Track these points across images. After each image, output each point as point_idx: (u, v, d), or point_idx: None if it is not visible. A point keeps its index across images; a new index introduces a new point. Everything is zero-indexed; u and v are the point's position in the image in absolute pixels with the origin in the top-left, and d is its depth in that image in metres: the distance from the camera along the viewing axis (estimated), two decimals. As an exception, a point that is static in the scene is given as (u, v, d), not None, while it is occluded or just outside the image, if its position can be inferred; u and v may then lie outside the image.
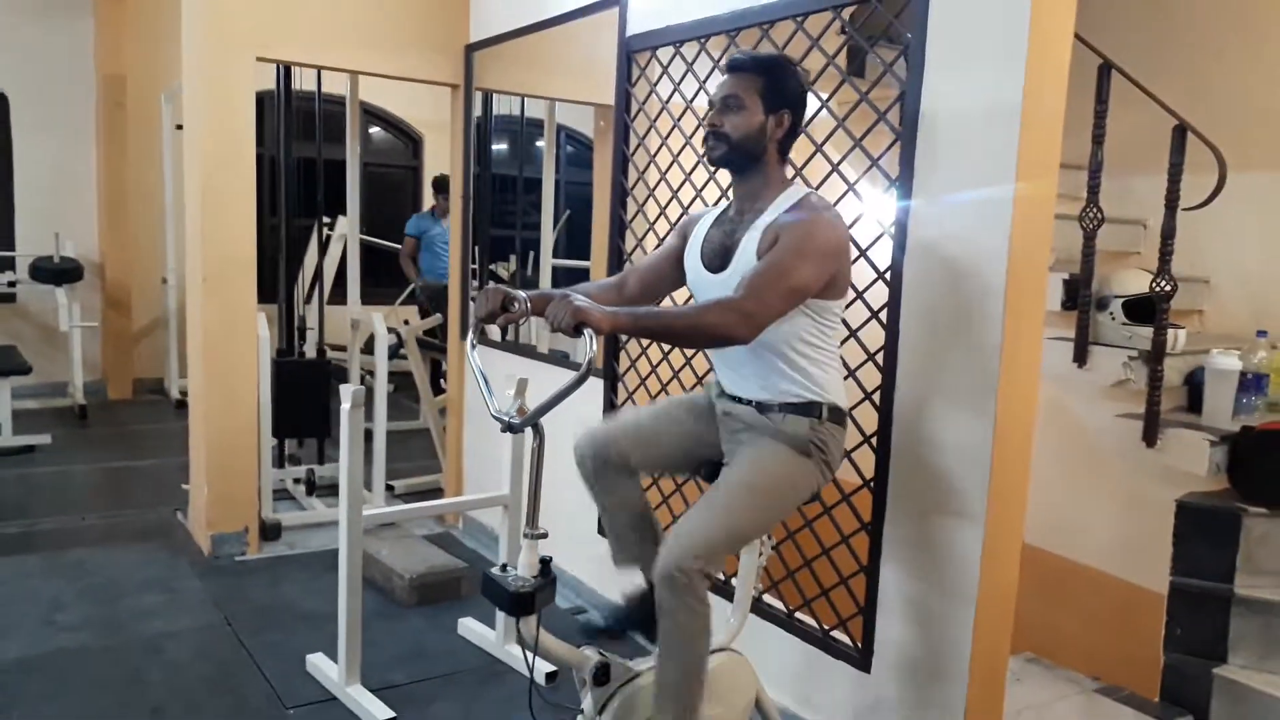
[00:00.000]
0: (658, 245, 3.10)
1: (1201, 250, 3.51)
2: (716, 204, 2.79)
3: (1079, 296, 3.05)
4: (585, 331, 1.77)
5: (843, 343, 2.20)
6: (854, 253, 2.27)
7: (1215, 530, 2.74)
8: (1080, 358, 3.06)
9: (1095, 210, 2.97)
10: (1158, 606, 2.85)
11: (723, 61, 2.13)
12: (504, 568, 1.97)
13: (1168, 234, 2.82)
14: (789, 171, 2.17)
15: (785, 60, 2.12)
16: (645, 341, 3.08)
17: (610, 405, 3.24)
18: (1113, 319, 3.02)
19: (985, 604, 2.17)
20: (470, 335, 2.09)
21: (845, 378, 2.29)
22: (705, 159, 2.13)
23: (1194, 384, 3.07)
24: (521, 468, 2.86)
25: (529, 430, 1.91)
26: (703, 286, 2.15)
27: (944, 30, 2.18)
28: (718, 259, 2.11)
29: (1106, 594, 3.11)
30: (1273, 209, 3.47)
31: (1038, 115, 2.06)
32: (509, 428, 1.92)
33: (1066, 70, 2.12)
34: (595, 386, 3.27)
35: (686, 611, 1.89)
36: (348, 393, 2.60)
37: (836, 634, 2.51)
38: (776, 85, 2.05)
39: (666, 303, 2.47)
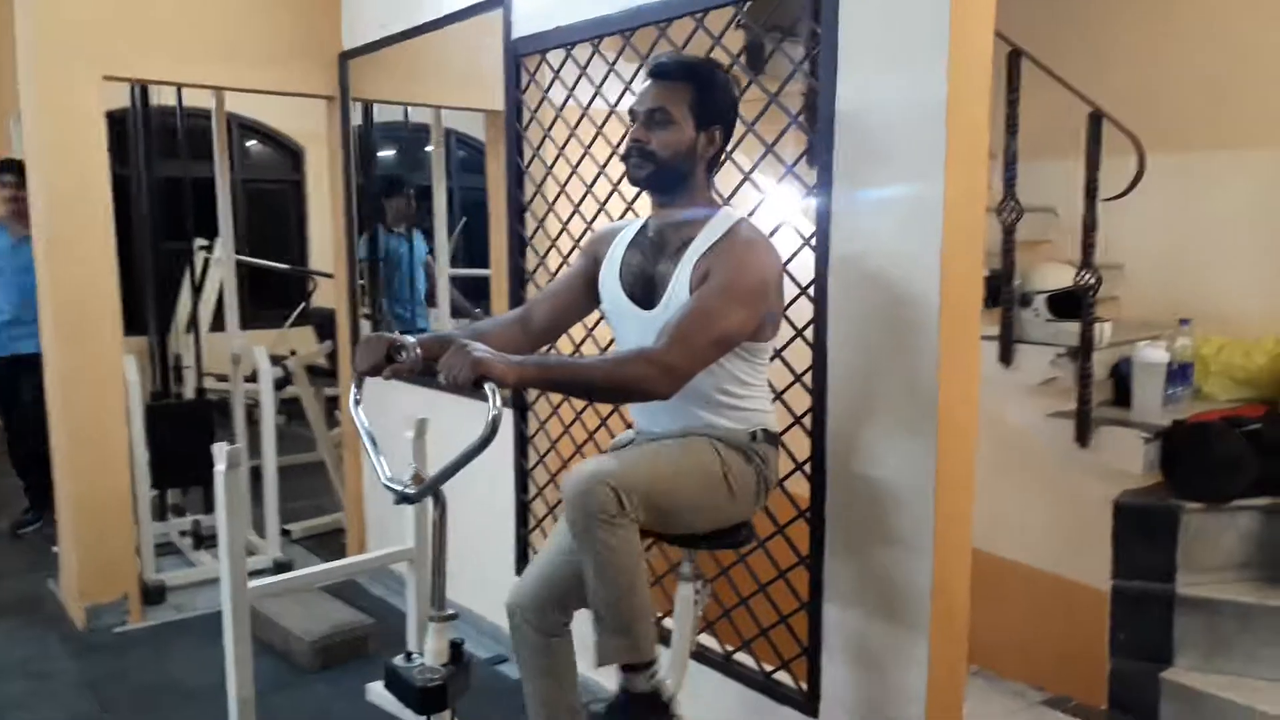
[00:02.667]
0: (561, 264, 2.88)
1: (1113, 235, 3.46)
2: (624, 216, 2.62)
3: (1000, 293, 2.95)
4: (486, 386, 1.54)
5: (770, 361, 2.02)
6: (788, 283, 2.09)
7: (1153, 529, 2.67)
8: (1006, 357, 2.97)
9: (1013, 203, 2.87)
10: (1100, 604, 2.76)
11: (642, 68, 1.90)
12: (409, 656, 1.73)
13: (1089, 226, 2.74)
14: (713, 193, 1.97)
15: (717, 66, 1.91)
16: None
17: (521, 450, 2.99)
18: (1037, 315, 2.93)
19: (938, 637, 2.02)
20: (353, 390, 1.83)
21: (773, 400, 2.10)
22: (626, 177, 1.90)
23: (1120, 376, 3.01)
24: (425, 528, 2.59)
25: (428, 500, 1.67)
26: (626, 320, 1.93)
27: (857, 23, 2.01)
28: (640, 290, 1.90)
29: (1047, 593, 3.01)
30: (1179, 191, 3.44)
31: (963, 111, 1.91)
32: (403, 498, 1.67)
33: (989, 62, 1.98)
34: (502, 433, 3.02)
35: (604, 530, 1.64)
36: (221, 452, 2.30)
37: (780, 676, 2.33)
38: (709, 96, 1.84)
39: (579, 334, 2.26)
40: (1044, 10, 3.61)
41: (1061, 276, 2.92)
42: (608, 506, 1.63)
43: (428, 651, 1.70)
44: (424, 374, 1.72)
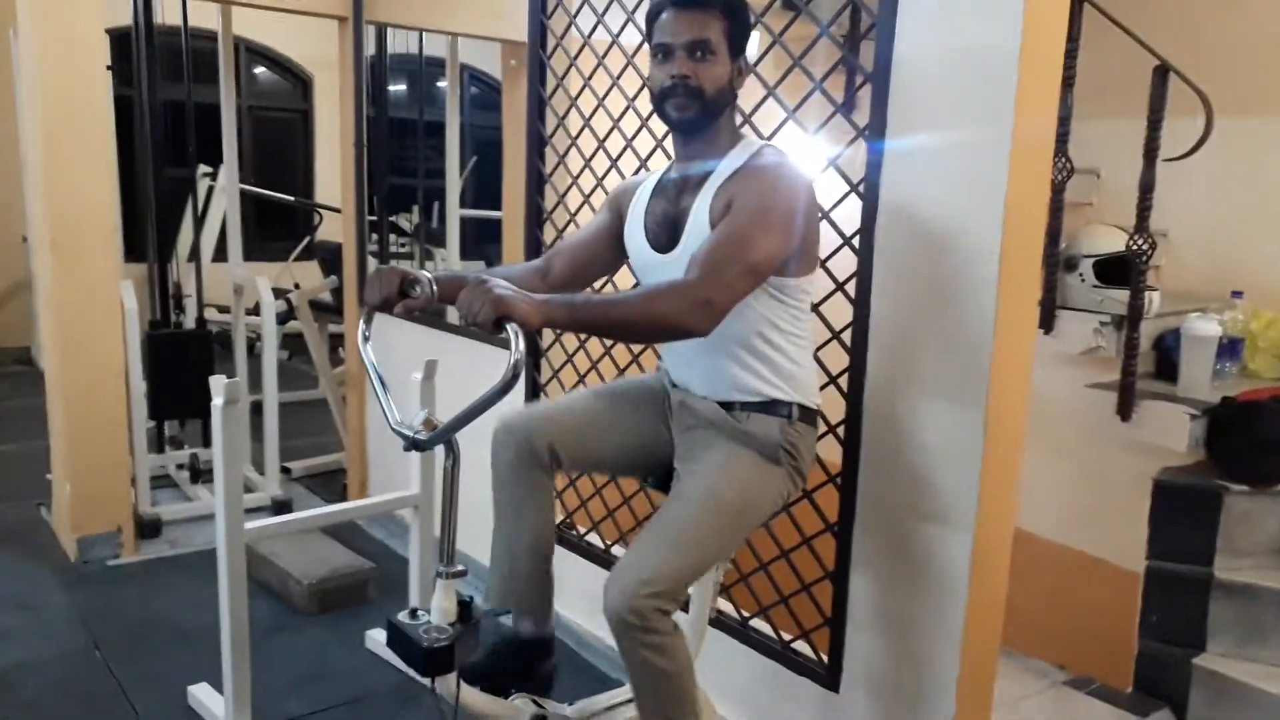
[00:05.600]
0: (582, 204, 2.72)
1: (1157, 201, 3.29)
2: (651, 155, 2.46)
3: (1045, 256, 2.79)
4: (508, 326, 1.40)
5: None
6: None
7: (1194, 510, 2.54)
8: (1047, 324, 2.82)
9: (1065, 161, 2.71)
10: (1130, 585, 2.65)
11: None
12: (414, 613, 1.61)
13: (1146, 187, 2.57)
14: (738, 121, 1.82)
15: None
16: (580, 336, 2.68)
17: (534, 396, 2.86)
18: (1083, 281, 2.78)
19: (974, 618, 1.90)
20: (361, 326, 1.69)
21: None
22: (665, 119, 1.74)
23: (1164, 349, 2.86)
24: (432, 475, 2.47)
25: (439, 448, 1.54)
26: (650, 270, 1.79)
27: (924, -50, 1.84)
28: (665, 235, 1.75)
29: (1074, 570, 2.91)
30: (1232, 157, 3.25)
31: (1038, 53, 1.74)
32: (414, 444, 1.55)
33: (1068, 2, 1.81)
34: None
35: (653, 652, 1.56)
36: (219, 386, 2.17)
37: (799, 646, 2.23)
38: (740, 24, 1.70)
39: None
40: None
41: (1111, 241, 2.76)
42: (656, 625, 1.55)
43: (435, 609, 1.59)
44: (436, 312, 1.58)
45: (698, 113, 1.68)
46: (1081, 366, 2.80)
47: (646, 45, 2.44)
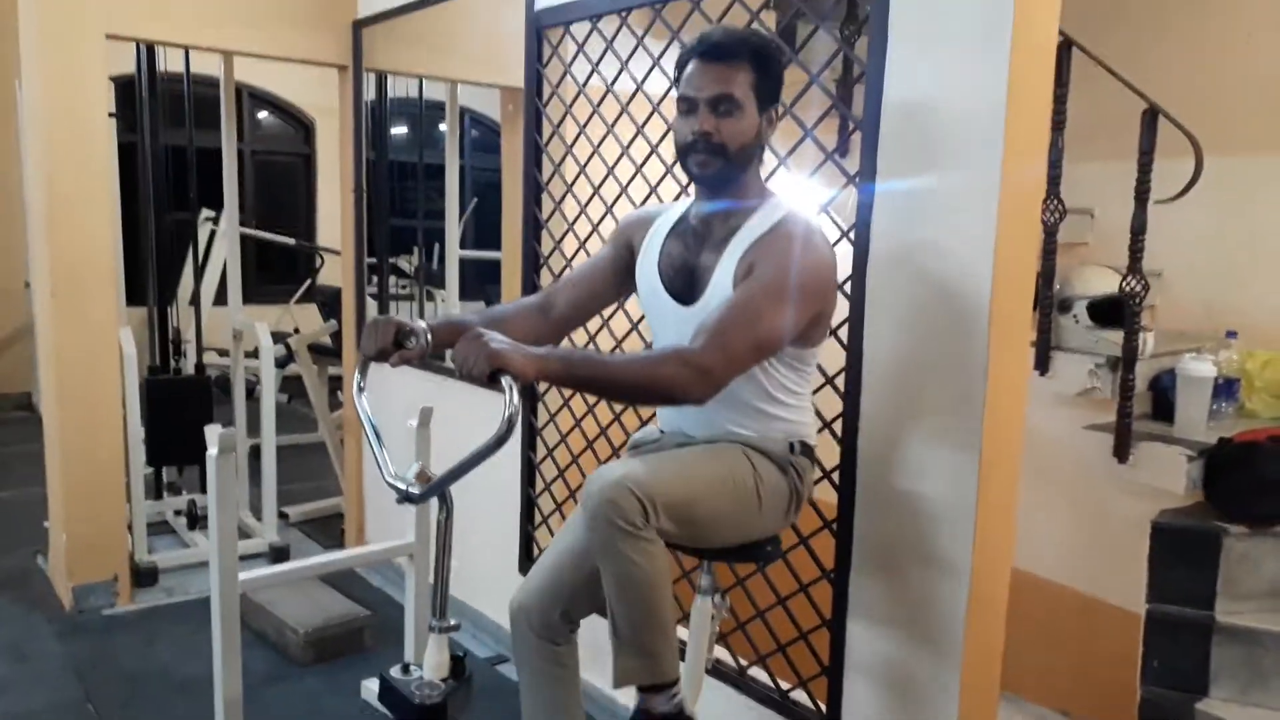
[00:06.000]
0: (578, 249, 2.74)
1: (1152, 241, 3.31)
2: (645, 201, 2.48)
3: (1040, 298, 2.80)
4: (503, 380, 1.40)
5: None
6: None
7: (1193, 552, 2.53)
8: (1042, 365, 2.82)
9: (1056, 203, 2.72)
10: (1132, 628, 2.62)
11: (696, 44, 1.68)
12: (406, 667, 1.60)
13: (1138, 229, 2.59)
14: (763, 179, 1.82)
15: (776, 41, 1.75)
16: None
17: (529, 443, 2.86)
18: (1076, 322, 2.78)
19: (972, 665, 1.88)
20: (357, 377, 1.69)
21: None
22: (695, 173, 1.71)
23: (1160, 389, 2.86)
24: (427, 525, 2.46)
25: (433, 500, 1.54)
26: (664, 316, 1.79)
27: (910, 1, 1.86)
28: (681, 283, 1.75)
29: (1075, 613, 2.88)
30: (1225, 197, 3.27)
31: (1025, 99, 1.76)
32: (407, 498, 1.54)
33: (1054, 47, 1.84)
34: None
35: (629, 547, 1.50)
36: (214, 435, 2.17)
37: (797, 695, 2.20)
38: (769, 75, 1.67)
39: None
40: (1091, 9, 3.45)
41: (1104, 282, 2.77)
42: (633, 518, 1.50)
43: (427, 665, 1.57)
44: (435, 355, 1.58)
45: (720, 169, 1.66)
46: (1078, 407, 2.80)
47: (643, 91, 2.50)
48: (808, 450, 1.80)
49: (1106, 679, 2.67)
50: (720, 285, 1.67)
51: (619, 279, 1.89)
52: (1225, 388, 2.77)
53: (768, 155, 2.15)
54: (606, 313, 2.42)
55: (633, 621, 1.56)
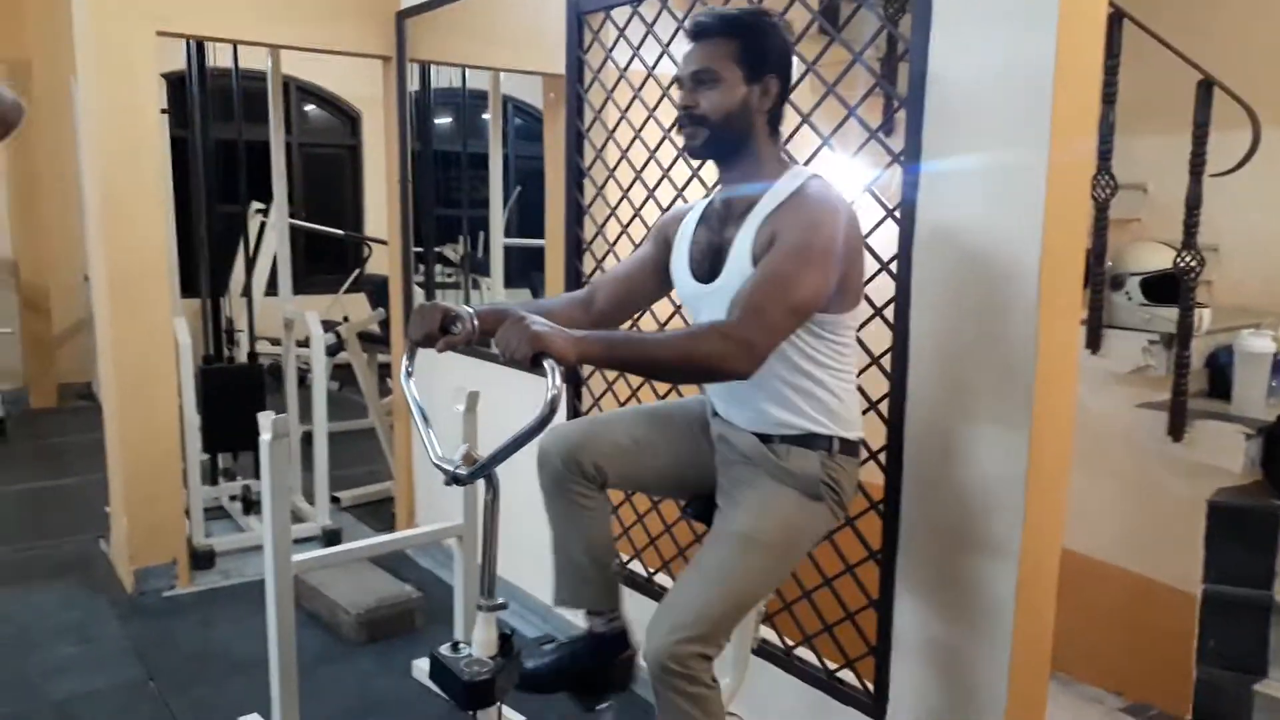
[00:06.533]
0: (620, 234, 2.75)
1: (1208, 215, 3.23)
2: (687, 185, 2.48)
3: (1091, 275, 2.75)
4: (545, 362, 1.42)
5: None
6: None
7: (1251, 532, 2.47)
8: (1094, 343, 2.77)
9: (1108, 178, 2.67)
10: (1188, 608, 2.58)
11: (686, 25, 1.76)
12: (455, 645, 1.63)
13: (1193, 204, 2.53)
14: (780, 150, 1.81)
15: (761, 14, 1.74)
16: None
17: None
18: (1129, 299, 2.73)
19: (1021, 647, 1.87)
20: (405, 362, 1.72)
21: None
22: (684, 150, 1.76)
23: (1217, 366, 2.80)
24: (475, 507, 2.49)
25: (479, 481, 1.56)
26: (691, 299, 1.80)
27: (955, -25, 1.84)
28: (708, 265, 1.75)
29: (1130, 594, 2.84)
30: (1282, 168, 3.19)
31: (1073, 73, 1.73)
32: (454, 479, 1.56)
33: (1104, 19, 1.80)
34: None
35: (689, 702, 1.56)
36: (267, 421, 2.21)
37: (844, 675, 2.20)
38: (756, 46, 1.68)
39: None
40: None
41: (1158, 258, 2.71)
42: (696, 673, 1.55)
43: (475, 642, 1.60)
44: (481, 342, 1.60)
45: (706, 139, 1.69)
46: (1132, 386, 2.75)
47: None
48: (849, 447, 1.76)
49: (1161, 660, 2.63)
50: (739, 258, 1.67)
51: (659, 275, 1.90)
52: (1284, 364, 2.70)
53: (809, 135, 2.17)
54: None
55: None
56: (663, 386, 2.60)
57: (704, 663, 1.56)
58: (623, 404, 2.75)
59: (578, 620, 2.00)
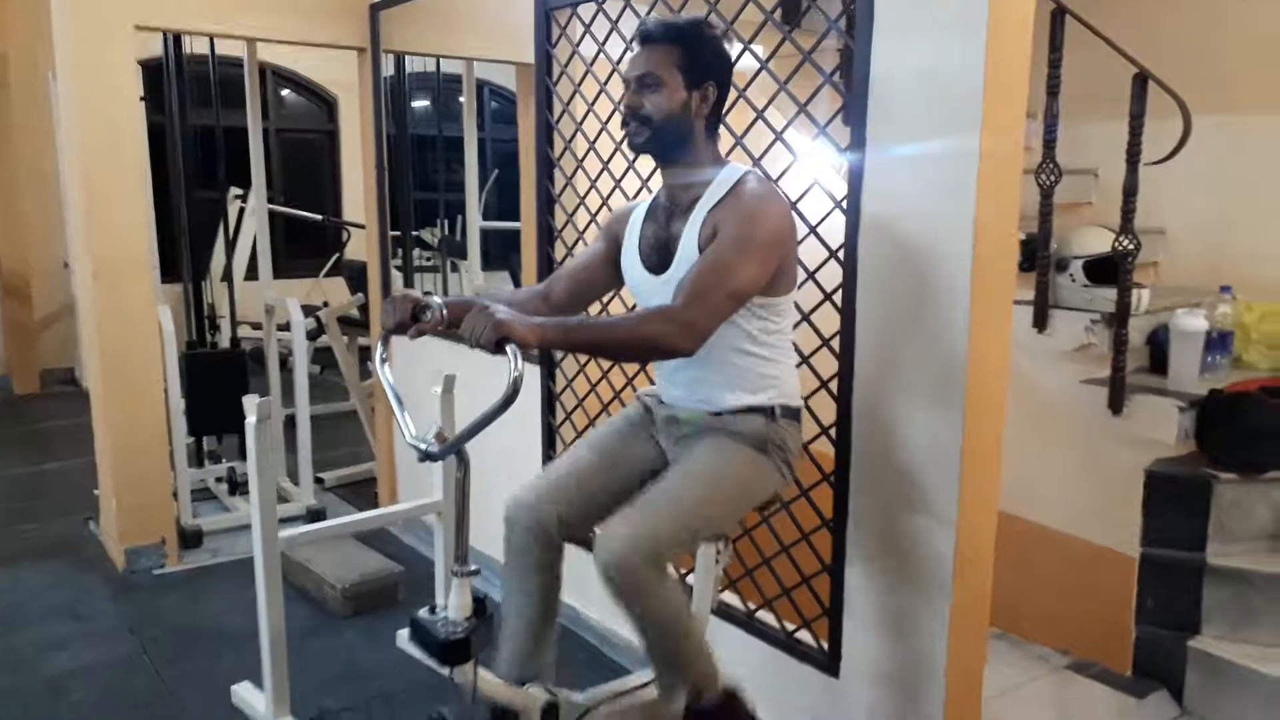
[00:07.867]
0: (589, 222, 2.86)
1: (1154, 199, 3.38)
2: (652, 175, 2.59)
3: (1037, 258, 2.89)
4: (508, 347, 1.54)
5: (795, 326, 2.02)
6: (802, 233, 2.08)
7: (1185, 498, 2.63)
8: (1040, 322, 2.92)
9: (1052, 165, 2.80)
10: (1128, 571, 2.74)
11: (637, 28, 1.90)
12: (433, 609, 1.76)
13: (1130, 191, 2.66)
14: (721, 148, 1.95)
15: (703, 24, 1.88)
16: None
17: (548, 408, 3.01)
18: (1073, 281, 2.87)
19: (960, 606, 2.02)
20: (379, 349, 1.84)
21: (798, 365, 2.10)
22: (630, 143, 1.89)
23: (1156, 343, 2.94)
24: (453, 482, 2.61)
25: (451, 458, 1.69)
26: (644, 289, 1.94)
27: (895, -21, 1.96)
28: (657, 257, 1.90)
29: (1074, 558, 2.99)
30: (1225, 154, 3.34)
31: (1002, 70, 1.85)
32: (426, 456, 1.69)
33: (1030, 20, 1.92)
34: (530, 389, 3.02)
35: (645, 600, 1.70)
36: (251, 405, 2.33)
37: (801, 635, 2.35)
38: (696, 55, 1.83)
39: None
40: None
41: (1099, 241, 2.86)
42: (648, 580, 1.68)
43: (451, 605, 1.73)
44: (448, 333, 1.73)
45: (649, 137, 1.83)
46: (1076, 363, 2.90)
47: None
48: (790, 412, 1.92)
49: (1104, 619, 2.79)
50: (687, 250, 1.81)
51: (610, 269, 2.04)
52: (1219, 341, 2.86)
53: (764, 130, 2.29)
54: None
55: (667, 657, 1.80)
56: (630, 380, 2.73)
57: (652, 570, 1.68)
58: (594, 385, 2.88)
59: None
